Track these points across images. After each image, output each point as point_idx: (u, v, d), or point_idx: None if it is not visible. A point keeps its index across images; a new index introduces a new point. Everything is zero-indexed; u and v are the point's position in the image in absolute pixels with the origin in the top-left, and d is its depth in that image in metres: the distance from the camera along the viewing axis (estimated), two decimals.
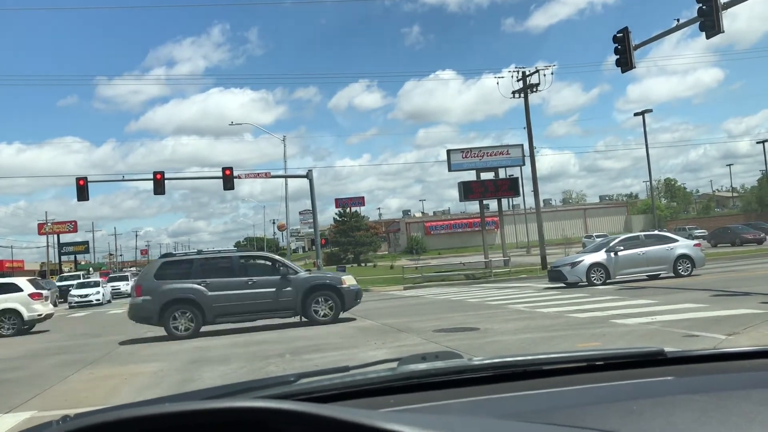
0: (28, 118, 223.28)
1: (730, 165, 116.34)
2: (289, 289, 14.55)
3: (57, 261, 74.07)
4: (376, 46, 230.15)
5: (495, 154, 33.84)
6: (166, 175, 32.02)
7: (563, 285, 20.54)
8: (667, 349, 1.65)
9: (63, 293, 37.44)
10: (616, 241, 20.99)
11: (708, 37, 15.88)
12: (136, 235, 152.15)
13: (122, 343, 14.36)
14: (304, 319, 14.72)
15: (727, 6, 15.71)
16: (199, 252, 15.69)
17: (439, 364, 1.55)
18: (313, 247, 44.66)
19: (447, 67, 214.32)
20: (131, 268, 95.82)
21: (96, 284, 35.17)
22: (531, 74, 32.75)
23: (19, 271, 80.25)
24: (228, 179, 32.13)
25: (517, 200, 69.59)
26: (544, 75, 32.41)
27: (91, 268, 75.54)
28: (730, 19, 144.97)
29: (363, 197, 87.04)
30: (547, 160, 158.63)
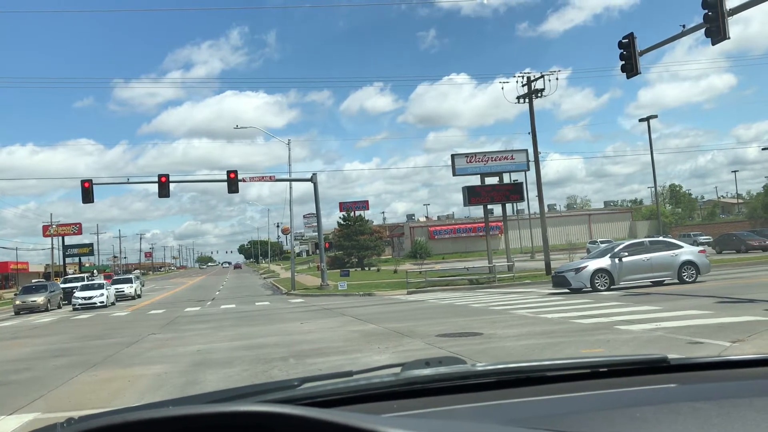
0: (43, 120, 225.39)
1: (735, 171, 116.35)
2: None
3: (61, 263, 74.28)
4: (391, 50, 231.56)
5: (499, 159, 33.83)
6: (172, 178, 32.15)
7: (567, 291, 20.48)
8: (671, 356, 1.65)
9: (67, 295, 37.47)
10: (621, 247, 20.94)
11: (714, 43, 15.85)
12: (141, 238, 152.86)
13: (127, 345, 14.38)
14: None
15: (733, 12, 15.68)
16: None
17: (442, 370, 1.55)
18: (317, 250, 44.64)
19: (461, 71, 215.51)
20: (135, 271, 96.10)
21: (100, 286, 35.18)
22: (536, 79, 32.72)
23: (24, 273, 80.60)
24: (232, 182, 32.21)
25: (522, 205, 69.54)
26: (549, 80, 32.40)
27: (95, 270, 75.72)
28: (743, 24, 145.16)
29: (367, 201, 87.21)
30: (554, 165, 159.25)
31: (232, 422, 0.97)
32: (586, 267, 20.30)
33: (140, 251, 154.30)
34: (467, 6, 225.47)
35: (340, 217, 74.93)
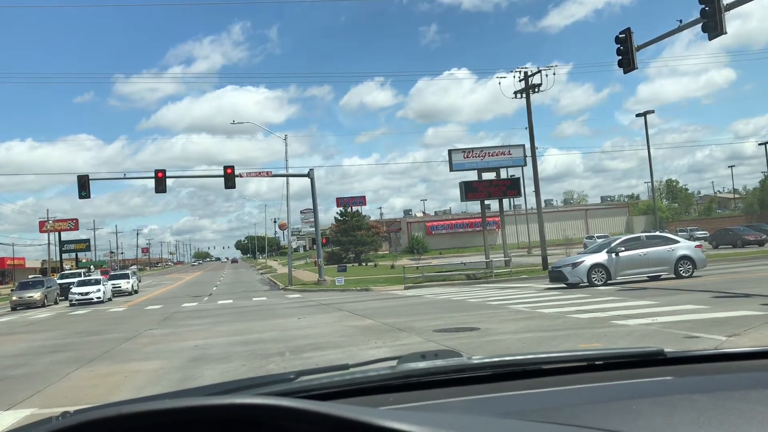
0: (43, 116, 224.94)
1: (731, 166, 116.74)
2: None
3: (58, 258, 74.12)
4: (392, 45, 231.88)
5: (496, 155, 33.81)
6: (168, 174, 32.12)
7: (564, 285, 20.52)
8: (666, 349, 1.66)
9: (64, 291, 37.38)
10: (618, 241, 20.97)
11: (711, 38, 15.86)
12: (137, 234, 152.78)
13: (124, 341, 14.37)
14: None
15: (730, 7, 15.68)
16: None
17: (438, 363, 1.55)
18: (314, 246, 44.59)
19: (461, 66, 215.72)
20: (132, 266, 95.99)
21: (97, 282, 35.10)
22: (533, 74, 32.70)
23: (21, 269, 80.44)
24: (229, 178, 32.16)
25: (519, 200, 69.58)
26: (546, 75, 32.37)
27: (92, 266, 75.58)
28: (742, 19, 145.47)
29: (364, 196, 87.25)
30: (552, 160, 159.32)
31: (229, 415, 0.97)
32: (582, 262, 20.34)
33: (137, 247, 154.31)
34: (468, 0, 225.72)
35: (337, 213, 74.94)
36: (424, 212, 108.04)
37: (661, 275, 20.33)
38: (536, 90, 32.58)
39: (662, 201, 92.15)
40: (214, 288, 41.97)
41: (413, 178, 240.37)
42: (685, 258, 20.28)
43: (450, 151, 33.80)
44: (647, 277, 20.43)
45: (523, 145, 34.40)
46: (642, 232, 46.99)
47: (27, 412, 7.29)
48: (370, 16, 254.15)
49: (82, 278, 38.22)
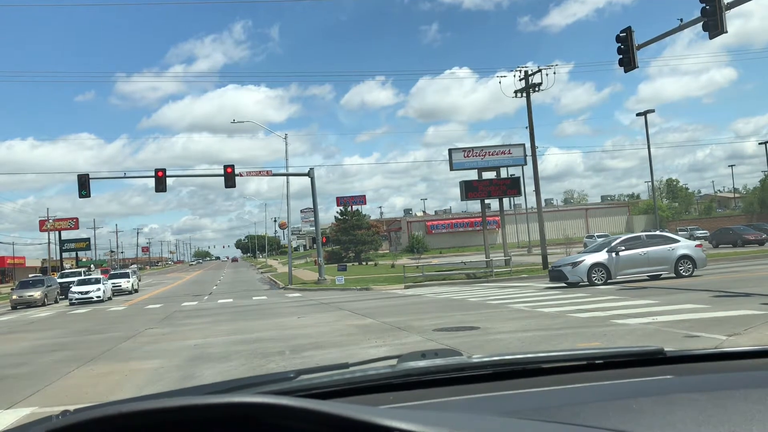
0: (44, 114, 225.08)
1: (732, 166, 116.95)
2: None
3: (58, 257, 74.12)
4: (393, 44, 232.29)
5: (497, 154, 33.79)
6: (168, 173, 32.11)
7: (564, 285, 20.51)
8: (666, 348, 1.66)
9: (64, 290, 37.39)
10: (618, 241, 20.96)
11: (711, 37, 15.85)
12: (138, 233, 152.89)
13: (124, 339, 14.37)
14: None
15: (730, 6, 15.67)
16: None
17: (438, 362, 1.55)
18: (314, 245, 44.56)
19: (462, 65, 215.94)
20: (132, 265, 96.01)
21: (97, 281, 35.10)
22: (533, 74, 32.68)
23: (21, 268, 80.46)
24: (229, 177, 32.15)
25: (519, 200, 69.62)
26: (547, 74, 32.34)
27: (92, 265, 75.56)
28: (744, 18, 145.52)
29: (364, 196, 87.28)
30: (553, 159, 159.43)
31: (229, 414, 0.97)
32: (583, 261, 20.33)
33: (137, 246, 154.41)
34: (470, 1, 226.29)
35: (337, 212, 74.92)
36: (424, 211, 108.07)
37: (661, 274, 20.32)
38: (537, 89, 32.56)
39: (662, 200, 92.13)
40: (214, 287, 41.97)
41: (413, 177, 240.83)
42: (685, 257, 20.27)
43: (450, 150, 33.78)
44: (647, 276, 20.42)
45: (524, 145, 34.39)
46: (642, 231, 46.99)
47: (27, 410, 7.29)
48: (372, 15, 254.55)
49: (83, 277, 38.21)
